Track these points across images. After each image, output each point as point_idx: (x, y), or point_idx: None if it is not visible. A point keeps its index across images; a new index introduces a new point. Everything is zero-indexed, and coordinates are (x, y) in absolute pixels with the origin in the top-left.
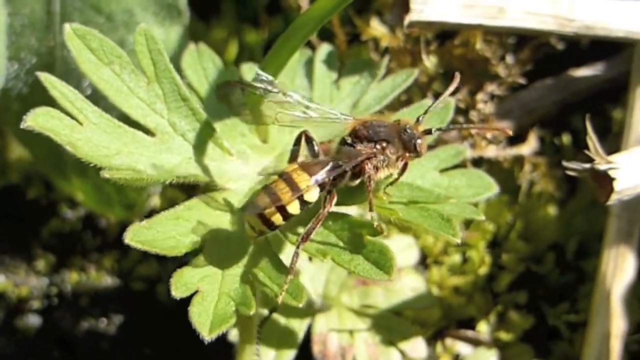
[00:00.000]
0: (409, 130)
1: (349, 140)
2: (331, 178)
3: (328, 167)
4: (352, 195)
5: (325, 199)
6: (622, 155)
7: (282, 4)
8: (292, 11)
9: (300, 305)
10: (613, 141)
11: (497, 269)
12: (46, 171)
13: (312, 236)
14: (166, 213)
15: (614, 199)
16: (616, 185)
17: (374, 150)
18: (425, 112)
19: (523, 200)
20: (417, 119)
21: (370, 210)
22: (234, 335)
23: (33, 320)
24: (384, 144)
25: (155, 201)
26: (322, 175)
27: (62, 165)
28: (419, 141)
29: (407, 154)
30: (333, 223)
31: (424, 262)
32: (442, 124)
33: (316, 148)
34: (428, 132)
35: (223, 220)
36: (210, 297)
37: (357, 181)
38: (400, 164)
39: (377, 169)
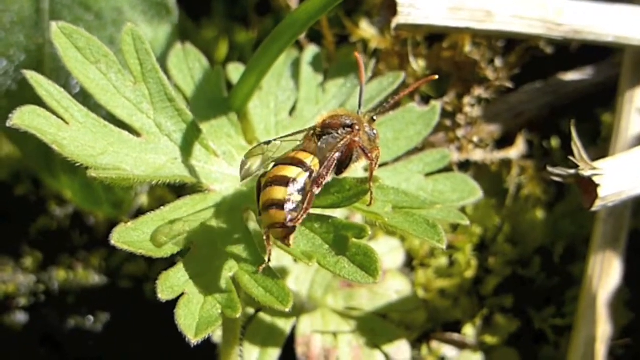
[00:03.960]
0: (364, 123)
1: (324, 132)
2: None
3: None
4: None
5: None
6: (606, 162)
7: (272, 4)
8: (282, 11)
9: (287, 310)
10: (602, 145)
11: (483, 272)
12: (35, 168)
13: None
14: (152, 214)
15: (598, 205)
16: (600, 192)
17: (354, 132)
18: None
19: (510, 204)
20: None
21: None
22: (218, 337)
23: (20, 318)
24: (357, 128)
25: (143, 200)
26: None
27: (50, 162)
28: (375, 131)
29: (371, 145)
30: (319, 226)
31: (411, 265)
32: (428, 127)
33: None
34: (373, 120)
35: (209, 222)
36: (196, 300)
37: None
38: (374, 153)
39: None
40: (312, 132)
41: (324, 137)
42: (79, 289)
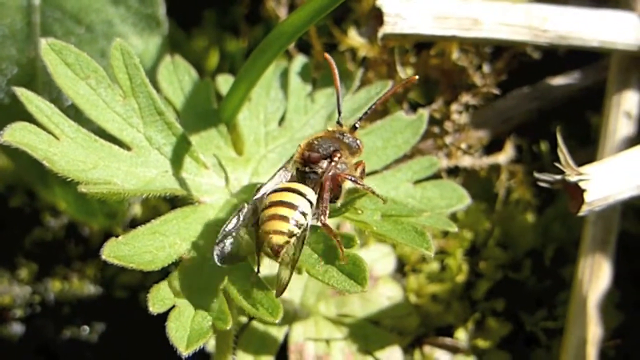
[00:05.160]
0: (346, 135)
1: (306, 169)
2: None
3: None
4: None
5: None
6: (593, 167)
7: (262, 13)
8: (272, 20)
9: (276, 322)
10: (593, 147)
11: (475, 276)
12: (29, 180)
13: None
14: (143, 228)
15: (585, 210)
16: (587, 197)
17: (333, 163)
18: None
19: (500, 208)
20: (338, 122)
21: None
22: (211, 345)
23: (15, 329)
24: (338, 154)
25: (137, 210)
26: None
27: (44, 174)
28: (358, 141)
29: (356, 157)
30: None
31: (402, 270)
32: (416, 135)
33: None
34: (355, 128)
35: (200, 234)
36: (187, 312)
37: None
38: (359, 169)
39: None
40: (294, 170)
41: (307, 174)
42: (74, 300)
